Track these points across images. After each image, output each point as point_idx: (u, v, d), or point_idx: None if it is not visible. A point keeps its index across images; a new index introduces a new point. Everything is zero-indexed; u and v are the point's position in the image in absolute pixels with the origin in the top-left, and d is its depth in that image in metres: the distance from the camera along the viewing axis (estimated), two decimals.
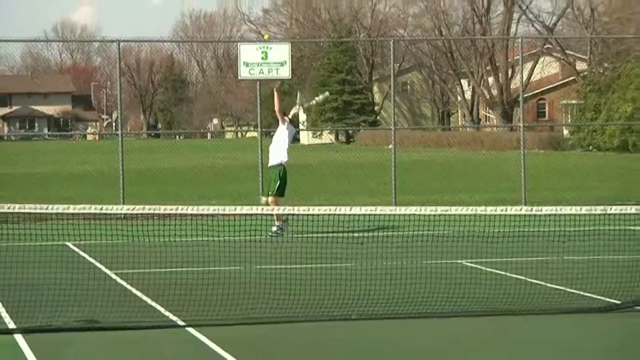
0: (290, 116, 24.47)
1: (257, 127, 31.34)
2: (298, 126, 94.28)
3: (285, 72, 28.65)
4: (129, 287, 15.72)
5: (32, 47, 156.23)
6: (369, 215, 16.32)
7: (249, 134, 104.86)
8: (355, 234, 20.00)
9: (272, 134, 24.68)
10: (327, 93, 24.02)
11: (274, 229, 22.52)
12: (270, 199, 23.02)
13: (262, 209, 18.85)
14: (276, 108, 23.85)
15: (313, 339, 12.16)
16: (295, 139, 24.20)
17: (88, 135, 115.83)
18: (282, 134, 23.65)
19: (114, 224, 22.95)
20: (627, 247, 18.26)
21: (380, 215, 18.93)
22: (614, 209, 15.40)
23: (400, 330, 12.63)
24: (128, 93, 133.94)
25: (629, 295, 14.08)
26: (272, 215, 21.94)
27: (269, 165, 23.60)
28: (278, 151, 23.43)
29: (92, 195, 27.72)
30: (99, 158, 40.00)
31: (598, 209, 15.36)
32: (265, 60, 28.10)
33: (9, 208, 14.51)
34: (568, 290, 15.00)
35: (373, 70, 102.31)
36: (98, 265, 18.12)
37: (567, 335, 12.32)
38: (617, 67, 69.80)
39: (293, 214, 19.62)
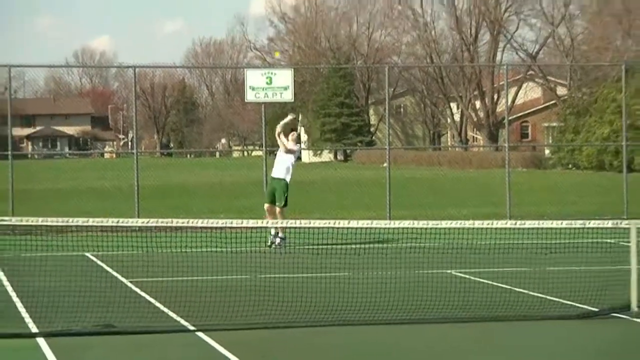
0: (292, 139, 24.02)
1: (262, 147, 31.39)
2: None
3: (288, 96, 28.67)
4: (143, 294, 15.70)
5: (55, 72, 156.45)
6: (365, 228, 16.28)
7: (254, 153, 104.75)
8: (352, 246, 20.04)
9: (275, 152, 24.57)
10: (290, 116, 23.69)
11: (278, 240, 22.32)
12: (278, 209, 22.90)
13: (268, 222, 18.80)
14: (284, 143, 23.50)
15: (313, 342, 12.15)
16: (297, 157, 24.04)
17: (106, 154, 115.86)
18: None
19: (130, 236, 22.90)
20: (604, 259, 18.21)
21: (375, 228, 18.84)
22: (592, 223, 15.42)
23: (393, 335, 12.60)
24: (143, 115, 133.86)
25: (605, 302, 14.04)
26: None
27: (276, 176, 23.36)
28: (285, 167, 23.28)
29: (109, 209, 27.65)
30: (116, 174, 39.93)
31: (577, 223, 15.38)
32: (270, 84, 28.12)
33: (32, 221, 14.52)
34: (549, 298, 14.97)
35: (369, 95, 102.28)
36: (115, 274, 18.10)
37: (548, 340, 12.29)
38: (595, 92, 69.82)
39: (296, 227, 19.57)
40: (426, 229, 15.91)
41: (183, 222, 14.75)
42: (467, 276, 17.54)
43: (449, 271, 18.07)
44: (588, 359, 11.25)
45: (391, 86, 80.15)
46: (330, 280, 16.89)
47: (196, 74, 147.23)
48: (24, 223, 14.74)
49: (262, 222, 14.92)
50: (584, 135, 66.05)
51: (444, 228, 15.21)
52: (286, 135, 23.38)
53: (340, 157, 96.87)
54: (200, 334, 12.52)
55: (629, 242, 13.97)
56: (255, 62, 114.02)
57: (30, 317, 13.61)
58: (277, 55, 38.09)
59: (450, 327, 13.06)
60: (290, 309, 13.80)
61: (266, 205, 23.07)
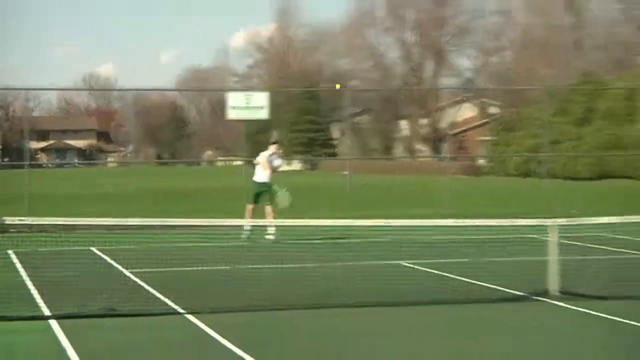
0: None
1: (242, 157, 31.35)
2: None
3: (263, 114, 28.68)
4: (141, 282, 15.62)
5: (65, 94, 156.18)
6: (329, 226, 16.31)
7: (235, 163, 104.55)
8: (317, 241, 20.01)
9: (253, 162, 24.42)
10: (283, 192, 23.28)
11: (271, 237, 21.90)
12: (270, 209, 22.52)
13: (249, 221, 18.74)
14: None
15: (291, 324, 12.11)
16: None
17: (109, 164, 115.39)
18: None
19: (130, 233, 22.86)
20: (528, 251, 18.33)
21: (336, 226, 18.89)
22: (519, 222, 15.50)
23: (355, 316, 12.59)
24: (140, 130, 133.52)
25: (529, 288, 14.10)
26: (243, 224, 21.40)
27: (262, 181, 23.07)
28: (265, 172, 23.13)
29: (111, 210, 27.54)
30: (118, 181, 39.73)
31: (506, 222, 15.45)
32: (249, 105, 28.09)
33: (46, 220, 14.45)
34: (482, 284, 15.00)
35: (332, 113, 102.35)
36: (116, 265, 18.00)
37: (480, 319, 12.31)
38: (521, 111, 70.24)
39: (269, 225, 19.56)
40: (380, 226, 15.92)
41: (175, 221, 14.75)
42: (415, 266, 17.56)
43: (399, 262, 18.09)
44: (513, 336, 11.26)
45: (351, 106, 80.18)
46: (299, 270, 16.89)
47: (186, 96, 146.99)
48: (38, 222, 14.64)
49: (244, 222, 14.86)
50: (513, 147, 66.43)
51: (395, 226, 15.25)
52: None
53: (308, 165, 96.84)
54: (189, 316, 12.47)
55: (548, 237, 14.04)
56: (236, 86, 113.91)
57: (44, 302, 13.52)
58: (338, 87, 34.79)
59: (402, 310, 13.05)
60: (268, 295, 13.77)
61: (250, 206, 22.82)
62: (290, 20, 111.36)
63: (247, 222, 20.14)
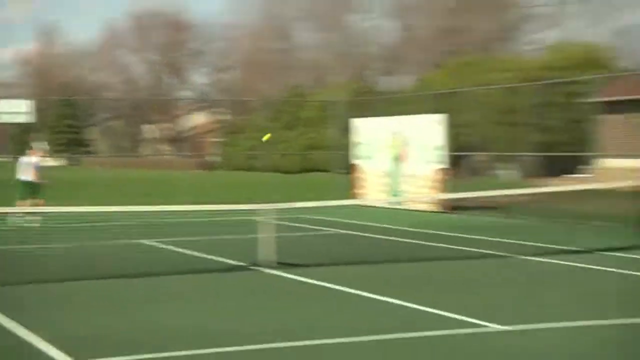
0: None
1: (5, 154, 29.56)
2: None
3: (27, 118, 27.64)
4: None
5: None
6: (84, 212, 15.58)
7: (1, 159, 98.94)
8: (72, 225, 19.10)
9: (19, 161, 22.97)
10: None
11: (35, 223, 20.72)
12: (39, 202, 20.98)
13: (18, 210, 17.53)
14: None
15: (43, 293, 11.44)
16: None
17: None
18: None
19: None
20: (248, 231, 18.37)
21: (90, 212, 18.13)
22: (240, 206, 15.45)
23: (95, 286, 12.10)
24: None
25: (248, 259, 14.09)
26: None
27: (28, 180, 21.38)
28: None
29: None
30: None
31: (227, 206, 15.32)
32: (11, 110, 26.70)
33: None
34: (209, 257, 14.86)
35: (89, 118, 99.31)
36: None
37: (213, 286, 12.19)
38: (245, 117, 70.82)
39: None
40: (127, 212, 15.37)
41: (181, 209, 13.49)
42: (155, 244, 17.15)
43: (141, 241, 17.64)
44: (235, 298, 11.20)
45: (104, 112, 77.41)
46: (49, 251, 16.06)
47: None
48: None
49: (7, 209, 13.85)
50: (239, 147, 66.86)
51: (138, 212, 14.80)
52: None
53: (72, 162, 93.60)
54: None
55: (264, 219, 14.11)
56: (1, 94, 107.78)
57: None
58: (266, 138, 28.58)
59: (137, 281, 12.66)
60: (21, 269, 12.95)
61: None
62: (52, 39, 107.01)
63: (15, 210, 19.24)
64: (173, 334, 8.87)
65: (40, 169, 21.45)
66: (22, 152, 22.96)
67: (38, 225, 20.47)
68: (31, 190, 21.08)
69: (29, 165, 21.47)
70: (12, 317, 9.76)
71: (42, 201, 20.74)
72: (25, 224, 20.40)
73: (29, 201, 20.63)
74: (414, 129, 25.24)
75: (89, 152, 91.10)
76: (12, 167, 26.58)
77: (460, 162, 40.50)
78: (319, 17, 71.93)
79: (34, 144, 22.37)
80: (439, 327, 9.00)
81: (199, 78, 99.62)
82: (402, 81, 65.72)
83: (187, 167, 69.25)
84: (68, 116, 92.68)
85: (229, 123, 76.26)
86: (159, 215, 20.20)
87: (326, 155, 53.80)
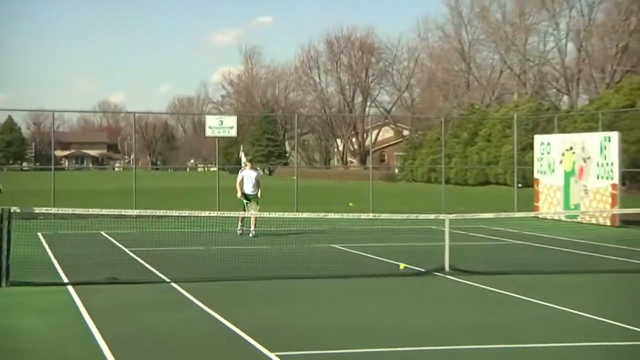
0: (246, 162, 21.49)
1: (216, 165, 31.17)
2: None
3: (233, 133, 28.64)
4: (137, 258, 15.48)
5: (84, 115, 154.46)
6: (281, 218, 16.35)
7: (211, 169, 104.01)
8: (272, 229, 19.97)
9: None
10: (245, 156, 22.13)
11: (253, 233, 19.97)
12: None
13: (217, 214, 18.58)
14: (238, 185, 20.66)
15: (249, 288, 12.08)
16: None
17: (116, 168, 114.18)
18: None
19: (129, 221, 22.65)
20: (428, 238, 18.45)
21: (287, 218, 18.89)
22: (422, 216, 15.59)
23: (296, 285, 12.59)
24: (140, 143, 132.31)
25: (429, 265, 14.20)
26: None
27: (254, 193, 20.40)
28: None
29: (117, 204, 27.20)
30: (122, 181, 39.24)
31: (413, 215, 15.52)
32: (222, 125, 27.96)
33: (66, 210, 14.25)
34: (394, 262, 15.08)
35: (285, 133, 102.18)
36: (119, 245, 17.82)
37: (393, 289, 12.38)
38: (425, 134, 70.68)
39: (233, 217, 19.41)
40: (319, 218, 15.92)
41: (164, 212, 14.60)
42: (344, 248, 17.62)
43: (332, 245, 18.14)
44: (420, 300, 11.34)
45: (299, 128, 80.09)
46: (257, 251, 16.85)
47: (175, 118, 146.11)
48: (60, 212, 14.43)
49: (215, 213, 14.76)
50: (418, 161, 66.89)
51: (330, 218, 15.27)
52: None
53: (267, 172, 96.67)
54: (173, 284, 12.39)
55: (444, 228, 14.14)
56: (212, 111, 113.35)
57: (63, 271, 13.35)
58: (402, 267, 26.51)
59: (333, 280, 13.07)
60: (231, 268, 13.73)
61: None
62: (254, 62, 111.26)
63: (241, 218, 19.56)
64: (361, 331, 9.13)
65: (259, 182, 20.51)
66: (228, 164, 23.74)
67: (254, 232, 19.92)
68: (255, 201, 20.26)
69: (249, 179, 20.41)
70: (216, 310, 10.39)
71: (258, 208, 20.03)
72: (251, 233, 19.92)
73: (248, 211, 19.73)
74: (588, 146, 24.41)
75: (285, 164, 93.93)
76: (223, 176, 27.92)
77: (632, 178, 38.56)
78: (499, 39, 70.60)
79: (246, 157, 22.66)
80: (625, 339, 8.71)
81: (384, 96, 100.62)
82: (578, 100, 63.34)
83: (370, 178, 70.02)
84: (268, 130, 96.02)
85: (411, 138, 76.29)
86: (347, 222, 20.65)
87: (503, 169, 52.81)
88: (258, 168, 21.54)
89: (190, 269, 13.69)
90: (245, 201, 20.29)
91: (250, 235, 19.78)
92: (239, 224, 20.10)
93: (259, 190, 20.45)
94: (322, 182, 69.20)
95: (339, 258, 15.73)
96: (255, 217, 19.57)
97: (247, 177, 20.49)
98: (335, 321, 9.76)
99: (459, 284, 12.76)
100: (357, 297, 11.59)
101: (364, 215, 15.97)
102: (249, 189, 20.37)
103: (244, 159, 22.16)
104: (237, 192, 20.37)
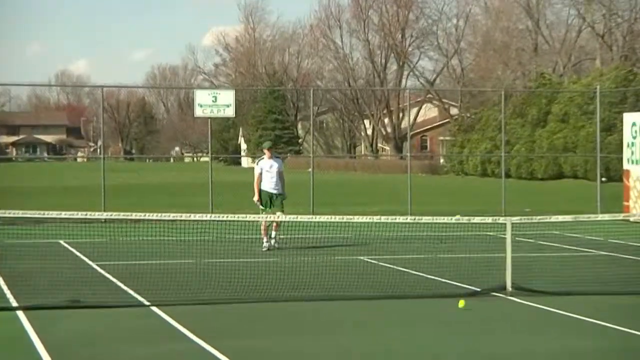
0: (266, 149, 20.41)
1: (208, 154, 31.28)
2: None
3: (230, 112, 28.63)
4: (107, 274, 15.57)
5: (37, 89, 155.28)
6: (293, 222, 16.35)
7: (202, 159, 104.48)
8: (281, 236, 19.99)
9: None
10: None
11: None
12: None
13: (210, 216, 18.63)
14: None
15: (246, 313, 12.12)
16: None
17: (78, 158, 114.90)
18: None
19: (97, 227, 22.76)
20: (485, 248, 18.42)
21: (300, 222, 18.93)
22: (476, 219, 15.56)
23: (313, 308, 12.60)
24: (109, 126, 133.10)
25: (486, 283, 14.17)
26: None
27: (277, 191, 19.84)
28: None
29: (80, 204, 27.36)
30: (87, 175, 39.49)
31: (464, 219, 15.51)
32: (215, 102, 28.01)
33: (15, 213, 14.32)
34: (441, 280, 15.07)
35: (298, 112, 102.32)
36: (83, 258, 17.91)
37: (440, 314, 12.37)
38: (479, 112, 70.58)
39: (231, 221, 19.53)
40: (342, 222, 15.96)
41: (141, 215, 14.67)
42: (375, 261, 17.61)
43: (360, 257, 18.14)
44: (473, 330, 11.33)
45: (315, 105, 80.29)
46: (262, 264, 16.90)
47: (154, 93, 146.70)
48: (7, 215, 14.51)
49: (207, 216, 14.80)
50: (470, 148, 66.83)
51: (356, 222, 15.30)
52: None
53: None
54: (153, 307, 12.44)
55: (505, 234, 14.11)
56: (204, 84, 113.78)
57: (11, 293, 13.42)
58: (462, 304, 25.38)
59: (360, 303, 13.08)
60: (228, 288, 13.77)
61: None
62: (257, 20, 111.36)
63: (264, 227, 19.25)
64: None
65: (282, 175, 20.00)
66: (224, 152, 23.71)
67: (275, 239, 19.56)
68: (279, 203, 19.72)
69: (269, 173, 19.80)
70: (210, 341, 10.41)
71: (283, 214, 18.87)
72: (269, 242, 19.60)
73: (270, 214, 18.93)
74: None
75: (297, 152, 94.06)
76: (218, 169, 28.02)
77: None
78: None
79: (266, 143, 20.95)
80: None
81: (426, 64, 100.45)
82: None
83: (408, 170, 69.82)
84: (275, 109, 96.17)
85: (461, 118, 76.19)
86: (379, 227, 20.65)
87: (582, 158, 52.61)
88: (280, 156, 20.69)
89: (175, 289, 13.75)
90: (264, 204, 19.62)
91: (273, 244, 19.39)
92: (263, 237, 19.48)
93: (283, 186, 19.83)
94: (346, 175, 69.30)
95: (369, 274, 15.73)
96: (278, 224, 19.19)
97: (267, 171, 19.86)
98: (364, 358, 9.74)
99: (524, 308, 12.74)
100: (392, 325, 11.59)
101: (400, 219, 15.96)
102: (269, 185, 19.77)
103: (265, 146, 21.12)
104: (254, 193, 19.72)
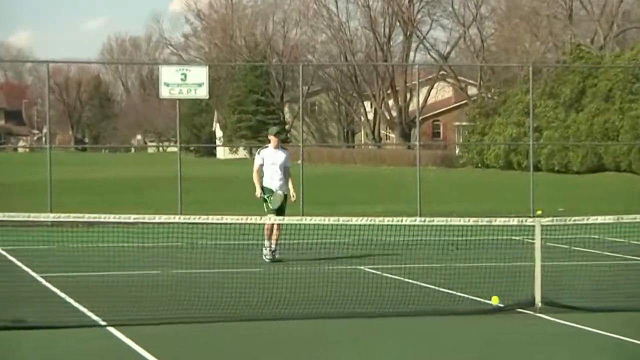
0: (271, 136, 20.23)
1: (177, 143, 31.27)
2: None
3: (202, 93, 28.62)
4: (54, 289, 15.55)
5: None
6: (279, 225, 16.34)
7: (169, 149, 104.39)
8: (264, 242, 19.96)
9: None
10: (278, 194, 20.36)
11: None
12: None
13: (179, 218, 18.64)
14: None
15: (221, 338, 12.13)
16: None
17: (19, 148, 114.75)
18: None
19: (42, 231, 22.72)
20: (509, 256, 18.44)
21: (287, 224, 18.94)
22: (498, 221, 15.59)
23: (302, 330, 12.62)
24: (57, 109, 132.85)
25: (511, 298, 14.19)
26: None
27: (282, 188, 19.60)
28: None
29: (21, 204, 27.33)
30: (30, 169, 39.45)
31: (484, 221, 15.53)
32: (185, 81, 28.02)
33: None
34: (456, 293, 15.09)
35: (284, 92, 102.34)
36: (26, 268, 17.90)
37: (454, 335, 12.39)
38: (503, 92, 70.66)
39: (208, 223, 19.50)
40: (337, 225, 15.95)
41: (95, 217, 14.66)
42: (377, 272, 17.61)
43: (360, 267, 18.13)
44: (494, 355, 11.36)
45: (306, 84, 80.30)
46: (241, 275, 16.89)
47: (111, 70, 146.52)
48: None
49: (175, 218, 14.81)
50: (492, 136, 66.84)
51: (355, 224, 15.28)
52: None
53: (255, 154, 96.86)
54: (111, 328, 12.44)
55: (533, 239, 14.12)
56: (171, 59, 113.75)
57: None
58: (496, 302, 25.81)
59: (360, 322, 13.09)
60: (200, 305, 13.77)
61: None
62: None
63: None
64: None
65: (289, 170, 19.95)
66: (190, 140, 23.58)
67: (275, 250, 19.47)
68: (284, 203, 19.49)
69: (274, 166, 19.56)
70: None
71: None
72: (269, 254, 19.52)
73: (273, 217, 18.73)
74: None
75: (284, 140, 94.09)
76: (188, 161, 27.97)
77: None
78: None
79: (272, 129, 20.89)
80: None
81: (439, 34, 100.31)
82: None
83: (419, 163, 69.74)
84: (257, 89, 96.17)
85: (481, 100, 76.28)
86: (383, 231, 20.66)
87: (627, 147, 52.69)
88: (286, 148, 20.13)
89: (138, 306, 13.74)
90: (271, 205, 19.31)
91: (275, 255, 19.31)
92: (266, 242, 19.40)
93: (291, 183, 19.71)
94: (342, 168, 69.32)
95: (371, 287, 15.73)
96: (279, 228, 19.05)
97: (270, 163, 19.64)
98: None
99: (557, 328, 12.77)
100: (397, 348, 11.61)
101: (407, 221, 15.98)
102: (274, 181, 19.54)
103: (272, 131, 20.67)
104: (255, 188, 19.60)
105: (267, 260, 19.23)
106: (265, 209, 19.41)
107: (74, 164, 62.35)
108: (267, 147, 20.07)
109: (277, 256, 19.37)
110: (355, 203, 32.85)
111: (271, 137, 20.10)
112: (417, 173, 29.49)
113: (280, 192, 19.45)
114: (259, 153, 20.18)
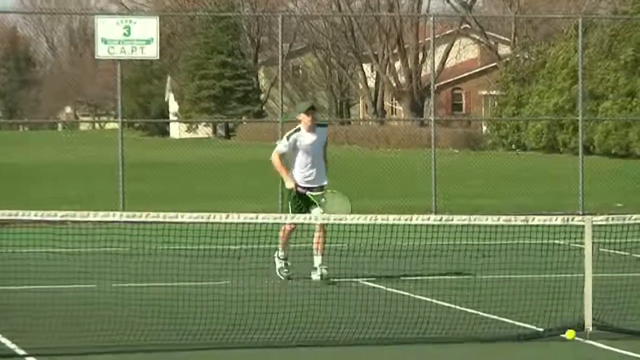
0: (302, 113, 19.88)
1: (118, 117, 31.26)
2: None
3: (152, 52, 28.68)
4: None
5: None
6: (249, 223, 16.32)
7: (108, 126, 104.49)
8: (232, 247, 20.04)
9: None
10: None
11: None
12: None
13: (121, 215, 18.63)
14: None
15: None
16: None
17: None
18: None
19: None
20: (551, 265, 18.49)
21: (263, 223, 18.97)
22: (537, 220, 15.61)
23: (281, 358, 12.70)
24: None
25: (553, 321, 14.24)
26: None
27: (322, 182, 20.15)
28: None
29: None
30: None
31: (519, 220, 15.57)
32: (128, 37, 28.08)
33: None
34: (483, 314, 15.15)
35: (259, 52, 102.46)
36: None
37: None
38: (544, 51, 70.69)
39: (160, 222, 19.50)
40: (327, 225, 15.95)
41: (10, 214, 14.67)
42: (380, 286, 17.66)
43: (357, 280, 18.16)
44: None
45: (287, 41, 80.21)
46: (201, 290, 16.92)
47: (33, 22, 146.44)
48: None
49: (114, 216, 14.79)
50: (530, 108, 66.89)
51: (351, 224, 15.31)
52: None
53: (220, 132, 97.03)
54: (31, 359, 12.46)
55: (582, 243, 14.15)
56: (110, 8, 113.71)
57: None
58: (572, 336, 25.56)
59: (358, 350, 13.14)
60: (147, 328, 13.81)
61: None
62: None
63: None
64: None
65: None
66: (135, 114, 23.73)
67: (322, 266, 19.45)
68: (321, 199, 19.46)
69: (307, 154, 19.77)
70: None
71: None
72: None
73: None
74: None
75: (258, 114, 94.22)
76: (132, 142, 28.05)
77: None
78: None
79: (303, 104, 20.99)
80: None
81: None
82: None
83: (434, 145, 69.85)
84: (223, 48, 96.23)
85: (515, 62, 76.46)
86: (386, 232, 20.72)
87: None
88: (326, 121, 19.98)
89: (67, 330, 13.77)
90: (302, 200, 19.34)
91: (320, 274, 19.18)
92: (280, 252, 19.58)
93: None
94: (335, 151, 69.15)
95: (372, 305, 15.83)
96: (324, 237, 19.03)
97: (305, 148, 19.65)
98: None
99: (612, 357, 12.83)
100: None
101: (419, 219, 15.99)
102: (311, 172, 19.78)
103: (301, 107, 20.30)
104: (285, 177, 19.64)
105: (282, 277, 19.19)
106: (290, 207, 19.33)
107: None
108: (298, 129, 19.55)
109: (324, 271, 19.03)
110: (352, 197, 32.84)
111: (303, 117, 19.60)
112: (432, 157, 29.58)
113: (335, 192, 19.80)
114: (287, 139, 19.56)
